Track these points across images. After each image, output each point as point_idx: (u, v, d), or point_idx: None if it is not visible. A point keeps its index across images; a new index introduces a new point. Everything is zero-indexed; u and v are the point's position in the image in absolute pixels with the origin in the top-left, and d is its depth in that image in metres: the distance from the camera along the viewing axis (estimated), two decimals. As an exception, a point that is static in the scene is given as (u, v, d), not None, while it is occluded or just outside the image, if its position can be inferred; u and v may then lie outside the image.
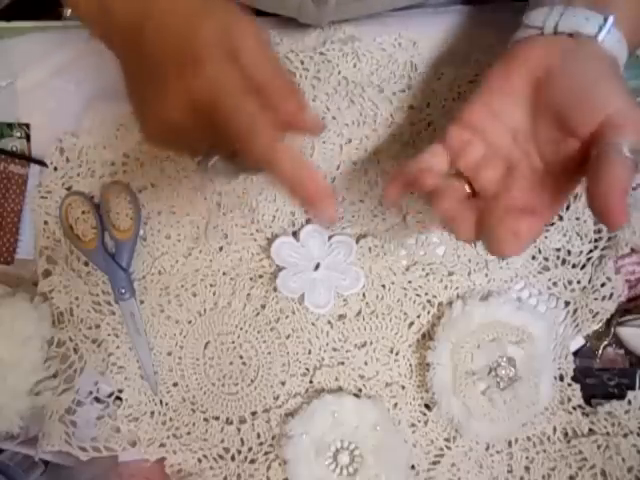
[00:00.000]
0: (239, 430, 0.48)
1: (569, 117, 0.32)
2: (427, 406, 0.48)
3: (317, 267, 0.46)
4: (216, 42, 0.29)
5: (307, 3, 0.43)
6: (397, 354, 0.47)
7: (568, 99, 0.32)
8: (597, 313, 0.47)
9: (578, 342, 0.48)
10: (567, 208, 0.46)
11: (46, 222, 0.48)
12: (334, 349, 0.47)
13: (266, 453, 0.47)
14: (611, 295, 0.46)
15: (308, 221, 0.47)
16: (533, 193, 0.33)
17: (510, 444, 0.47)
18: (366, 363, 0.47)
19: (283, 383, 0.48)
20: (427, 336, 0.47)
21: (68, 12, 0.33)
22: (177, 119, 0.30)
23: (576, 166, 0.32)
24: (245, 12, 0.31)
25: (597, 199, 0.28)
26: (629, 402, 0.46)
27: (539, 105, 0.34)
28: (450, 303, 0.47)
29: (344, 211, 0.47)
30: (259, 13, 0.47)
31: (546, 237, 0.47)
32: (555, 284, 0.47)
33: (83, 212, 0.48)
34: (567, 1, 0.34)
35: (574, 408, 0.47)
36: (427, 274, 0.47)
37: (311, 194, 0.29)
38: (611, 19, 0.32)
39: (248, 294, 0.47)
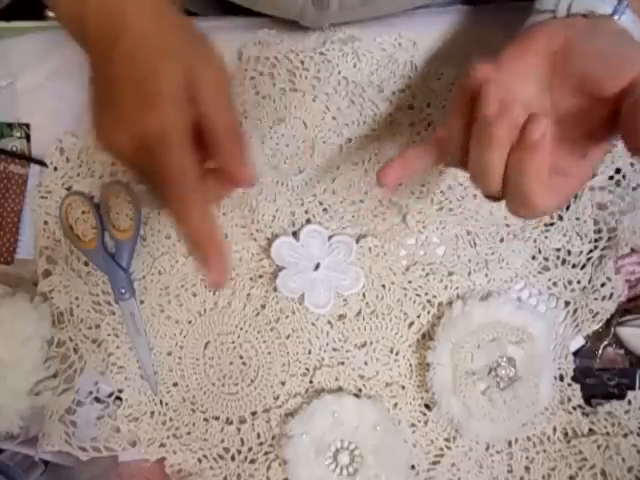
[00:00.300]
0: (239, 430, 0.48)
1: (595, 79, 0.31)
2: (427, 406, 0.48)
3: (317, 267, 0.46)
4: (177, 85, 0.30)
5: (308, 8, 0.43)
6: (397, 354, 0.47)
7: (592, 62, 0.32)
8: (597, 313, 0.47)
9: (578, 342, 0.48)
10: (567, 208, 0.46)
11: (46, 222, 0.48)
12: (334, 349, 0.47)
13: (266, 453, 0.47)
14: (611, 295, 0.46)
15: (308, 221, 0.47)
16: (561, 159, 0.32)
17: (510, 444, 0.47)
18: (366, 363, 0.47)
19: (283, 383, 0.48)
20: (427, 336, 0.47)
21: (51, 13, 0.34)
22: (122, 144, 0.31)
23: (601, 130, 0.31)
24: (214, 49, 0.32)
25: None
26: (629, 402, 0.46)
27: (557, 76, 0.33)
28: (450, 303, 0.47)
29: (344, 211, 0.47)
30: (259, 13, 0.47)
31: (546, 237, 0.47)
32: (555, 284, 0.47)
33: (83, 212, 0.48)
34: None
35: (574, 408, 0.47)
36: (427, 274, 0.47)
37: (208, 268, 0.33)
38: (625, 2, 0.32)
39: (248, 294, 0.47)
